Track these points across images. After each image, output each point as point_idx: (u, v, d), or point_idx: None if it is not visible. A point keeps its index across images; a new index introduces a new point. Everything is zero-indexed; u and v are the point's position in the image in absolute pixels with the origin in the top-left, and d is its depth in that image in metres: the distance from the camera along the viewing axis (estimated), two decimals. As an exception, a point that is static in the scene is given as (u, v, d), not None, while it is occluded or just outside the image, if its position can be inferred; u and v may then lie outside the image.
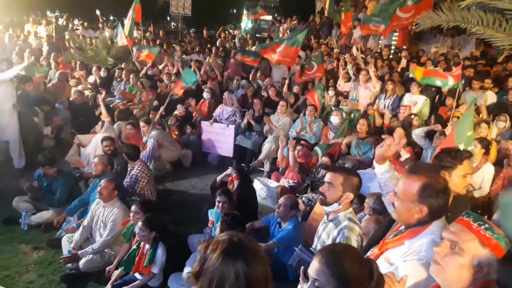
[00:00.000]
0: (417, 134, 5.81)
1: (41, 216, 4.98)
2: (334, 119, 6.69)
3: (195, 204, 5.87)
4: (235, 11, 31.09)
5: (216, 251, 1.38)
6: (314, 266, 1.52)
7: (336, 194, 2.59)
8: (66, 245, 4.46)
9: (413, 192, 1.96)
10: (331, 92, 8.35)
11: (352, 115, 7.20)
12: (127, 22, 10.08)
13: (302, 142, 6.44)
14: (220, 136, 7.49)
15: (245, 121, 7.36)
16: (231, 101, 7.65)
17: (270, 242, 4.13)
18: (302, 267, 2.56)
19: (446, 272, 1.61)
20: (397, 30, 11.40)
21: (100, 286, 4.12)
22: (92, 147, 6.32)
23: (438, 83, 6.85)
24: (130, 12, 9.94)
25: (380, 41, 11.87)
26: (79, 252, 4.26)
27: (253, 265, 1.37)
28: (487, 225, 1.58)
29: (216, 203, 4.48)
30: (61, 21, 14.06)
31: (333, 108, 7.17)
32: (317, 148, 6.40)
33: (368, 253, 2.21)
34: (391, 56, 10.99)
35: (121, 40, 9.60)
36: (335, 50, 11.01)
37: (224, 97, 7.74)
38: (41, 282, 4.14)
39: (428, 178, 1.96)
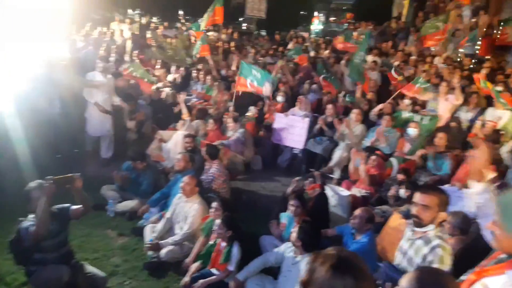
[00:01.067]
0: (508, 149, 5.49)
1: (126, 205, 5.38)
2: (412, 131, 6.50)
3: (265, 205, 6.01)
4: (305, 13, 30.98)
5: (325, 264, 1.45)
6: (410, 284, 1.56)
7: (432, 215, 2.58)
8: (148, 234, 4.80)
9: None
10: (407, 101, 8.11)
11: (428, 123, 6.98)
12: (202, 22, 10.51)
13: (377, 152, 6.33)
14: (294, 129, 7.43)
15: (317, 126, 7.37)
16: (306, 105, 7.69)
17: (344, 252, 4.15)
18: (389, 284, 2.58)
19: None
20: (480, 38, 10.83)
21: (178, 276, 4.39)
22: (172, 143, 6.70)
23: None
24: (209, 13, 10.35)
25: (460, 50, 11.30)
26: (160, 242, 4.56)
27: (361, 281, 1.42)
28: None
29: (289, 207, 4.57)
30: (143, 20, 14.90)
31: (412, 119, 6.97)
32: (393, 160, 6.27)
33: (463, 277, 2.18)
34: (471, 66, 10.43)
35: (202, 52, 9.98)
36: (411, 58, 10.65)
37: (299, 100, 7.79)
38: (125, 266, 4.48)
39: None
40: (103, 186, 5.68)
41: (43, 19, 5.91)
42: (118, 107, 7.07)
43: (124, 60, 10.69)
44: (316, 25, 27.90)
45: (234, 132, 6.85)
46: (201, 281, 4.01)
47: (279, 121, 7.65)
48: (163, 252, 4.47)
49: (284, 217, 4.79)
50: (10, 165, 5.36)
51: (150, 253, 4.56)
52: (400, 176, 5.55)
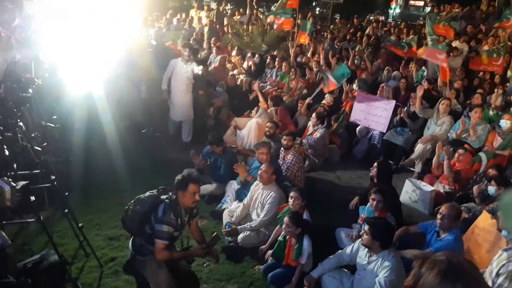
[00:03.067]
0: None
1: (206, 189, 5.54)
2: (505, 123, 5.96)
3: (340, 195, 5.91)
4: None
5: (433, 270, 1.36)
6: None
7: None
8: (227, 218, 4.92)
9: None
10: (499, 91, 7.47)
11: None
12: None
13: (465, 146, 5.90)
14: (377, 110, 7.08)
15: (397, 117, 7.03)
16: (388, 94, 7.36)
17: (427, 250, 3.94)
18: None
19: None
20: None
21: (254, 261, 4.45)
22: (246, 129, 6.80)
23: None
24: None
25: None
26: (238, 227, 4.66)
27: None
28: None
29: (370, 201, 4.43)
30: (220, 7, 15.20)
31: (501, 112, 6.39)
32: (481, 154, 5.81)
33: None
34: None
35: (283, 25, 9.97)
36: (507, 43, 9.72)
37: (381, 88, 7.47)
38: (204, 249, 4.65)
39: None
40: (185, 170, 5.89)
41: (127, 6, 6.21)
42: (198, 95, 7.27)
43: (203, 47, 11.00)
44: (394, 9, 26.51)
45: (315, 128, 6.76)
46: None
47: (361, 100, 7.34)
48: (240, 237, 4.56)
49: (363, 211, 4.65)
50: (99, 146, 5.75)
51: (228, 237, 4.69)
52: (492, 172, 5.14)
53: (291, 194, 4.43)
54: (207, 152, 5.76)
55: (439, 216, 3.91)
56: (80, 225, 4.09)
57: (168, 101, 7.04)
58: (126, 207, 3.53)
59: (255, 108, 7.10)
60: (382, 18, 18.67)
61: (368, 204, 4.51)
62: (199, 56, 9.48)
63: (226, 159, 5.56)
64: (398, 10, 27.04)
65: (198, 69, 6.71)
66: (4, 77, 4.62)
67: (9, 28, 7.79)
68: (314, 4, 25.18)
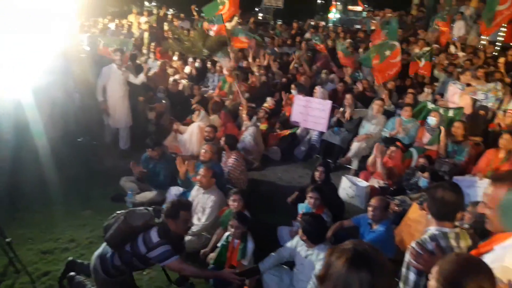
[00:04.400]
0: None
1: (145, 196, 5.43)
2: (432, 120, 6.37)
3: (282, 195, 6.00)
4: (323, 2, 30.56)
5: (340, 258, 1.42)
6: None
7: None
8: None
9: (500, 199, 1.93)
10: (428, 90, 7.97)
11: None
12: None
13: (397, 143, 6.23)
14: (315, 111, 7.39)
15: (334, 118, 7.29)
16: (322, 95, 7.62)
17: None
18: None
19: None
20: (505, 25, 10.51)
21: (195, 265, 4.41)
22: (188, 134, 6.75)
23: None
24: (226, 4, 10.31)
25: (482, 37, 10.99)
26: (179, 233, 4.60)
27: (378, 276, 1.39)
28: None
29: (308, 199, 4.55)
30: (160, 12, 14.96)
31: (431, 108, 6.81)
32: (412, 150, 6.17)
33: None
34: (495, 54, 10.14)
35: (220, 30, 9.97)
36: (434, 46, 10.42)
37: (315, 91, 7.73)
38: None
39: None
40: (122, 178, 5.75)
41: (61, 12, 5.97)
42: (137, 101, 7.12)
43: (142, 53, 10.79)
44: (334, 13, 27.52)
45: (246, 130, 6.84)
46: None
47: (299, 103, 7.58)
48: (181, 242, 4.51)
49: (302, 208, 4.77)
50: (30, 157, 5.47)
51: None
52: (421, 160, 5.48)
53: (231, 196, 4.46)
54: (145, 159, 5.65)
55: (370, 209, 4.10)
56: (8, 240, 3.86)
57: (105, 109, 6.83)
58: (114, 216, 3.37)
59: (196, 112, 7.06)
60: (322, 23, 19.26)
61: (306, 201, 4.63)
62: (138, 61, 9.26)
63: (165, 165, 5.48)
64: (337, 15, 28.12)
65: (139, 79, 6.59)
66: None
67: None
68: (257, 9, 25.52)
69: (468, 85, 7.52)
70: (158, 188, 5.51)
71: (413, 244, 2.22)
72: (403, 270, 2.24)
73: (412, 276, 2.19)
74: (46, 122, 5.64)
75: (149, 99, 7.72)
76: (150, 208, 3.57)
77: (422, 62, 8.27)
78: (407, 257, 2.22)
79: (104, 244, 3.47)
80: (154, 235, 3.23)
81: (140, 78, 6.90)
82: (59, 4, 5.91)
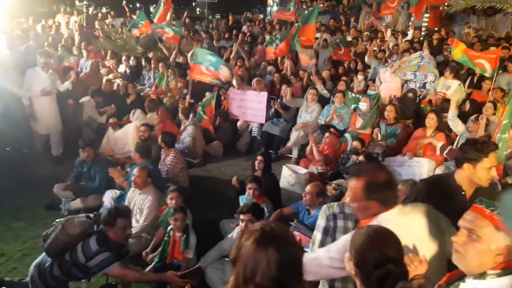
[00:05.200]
0: (450, 117, 5.69)
1: (80, 202, 5.23)
2: (362, 105, 6.63)
3: (225, 190, 6.00)
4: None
5: (249, 239, 1.46)
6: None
7: None
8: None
9: (360, 192, 2.07)
10: (360, 77, 8.27)
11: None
12: (157, 9, 10.34)
13: (331, 130, 6.43)
14: (252, 103, 7.45)
15: (272, 109, 7.39)
16: (261, 86, 7.68)
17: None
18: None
19: (467, 259, 1.66)
20: (428, 10, 11.13)
21: (138, 268, 4.32)
22: (122, 132, 6.57)
23: (474, 68, 6.63)
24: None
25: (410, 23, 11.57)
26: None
27: (284, 252, 1.44)
28: (499, 210, 1.62)
29: (247, 190, 4.59)
30: (90, 11, 14.36)
31: (360, 96, 7.08)
32: (347, 135, 6.39)
33: None
34: (421, 38, 10.71)
35: (145, 28, 9.80)
36: (365, 33, 10.82)
37: (253, 83, 7.77)
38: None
39: (369, 176, 2.07)
40: (56, 185, 5.50)
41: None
42: (67, 104, 6.81)
43: (73, 53, 10.30)
44: (271, 6, 27.74)
45: (185, 130, 6.78)
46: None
47: (235, 97, 7.62)
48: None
49: (243, 200, 4.80)
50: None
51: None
52: (355, 143, 5.71)
53: (169, 195, 4.40)
54: (79, 163, 5.43)
55: (304, 195, 4.22)
56: None
57: (31, 114, 6.45)
58: (53, 225, 3.28)
59: (132, 111, 6.87)
60: (260, 16, 19.38)
61: (246, 193, 4.67)
62: (66, 63, 8.83)
63: (100, 168, 5.30)
64: (275, 8, 28.36)
65: (64, 87, 6.32)
66: None
67: None
68: (193, 4, 25.19)
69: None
70: (95, 193, 5.31)
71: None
72: (314, 232, 2.46)
73: (319, 236, 2.39)
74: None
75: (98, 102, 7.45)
76: (91, 215, 3.48)
77: (342, 50, 8.69)
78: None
79: (43, 254, 3.36)
80: (93, 243, 3.18)
81: (65, 86, 6.62)
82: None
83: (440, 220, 2.17)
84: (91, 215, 3.49)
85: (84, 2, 21.57)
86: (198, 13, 23.44)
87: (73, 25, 12.66)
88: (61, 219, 3.43)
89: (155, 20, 10.66)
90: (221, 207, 5.45)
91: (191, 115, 7.00)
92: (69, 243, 3.20)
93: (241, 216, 3.85)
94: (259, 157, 5.19)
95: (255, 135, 7.46)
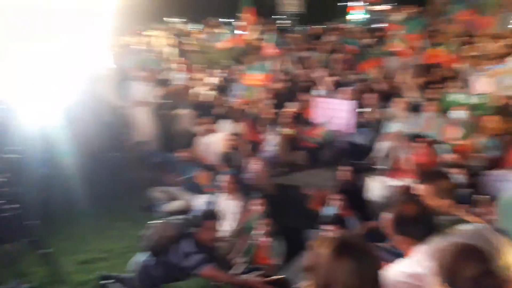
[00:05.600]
0: None
1: (173, 205, 5.58)
2: (459, 113, 6.20)
3: (310, 199, 5.96)
4: (343, 4, 30.28)
5: (326, 248, 1.44)
6: None
7: None
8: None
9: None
10: (453, 83, 7.74)
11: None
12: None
13: (423, 139, 6.09)
14: (338, 112, 7.27)
15: (359, 118, 7.22)
16: (347, 95, 7.57)
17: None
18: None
19: None
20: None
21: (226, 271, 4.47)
22: (212, 141, 6.88)
23: None
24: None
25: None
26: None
27: (363, 263, 1.40)
28: None
29: (332, 201, 4.53)
30: (182, 27, 15.28)
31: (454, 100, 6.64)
32: (441, 146, 6.02)
33: None
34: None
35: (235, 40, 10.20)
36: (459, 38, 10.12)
37: (340, 92, 7.68)
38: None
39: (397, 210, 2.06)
40: (151, 188, 5.92)
41: (86, 30, 6.29)
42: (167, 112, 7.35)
43: (165, 68, 11.05)
44: (354, 15, 27.18)
45: (268, 140, 6.88)
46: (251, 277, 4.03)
47: (321, 105, 7.51)
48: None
49: (328, 211, 4.74)
50: (64, 174, 5.72)
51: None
52: (451, 155, 5.32)
53: (254, 202, 4.51)
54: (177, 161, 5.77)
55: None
56: (47, 251, 4.07)
57: (131, 123, 7.09)
58: (149, 227, 3.59)
59: (217, 121, 7.19)
60: (343, 25, 19.07)
61: (332, 204, 4.61)
62: (161, 77, 9.50)
63: (191, 171, 5.59)
64: (360, 16, 27.71)
65: (153, 95, 6.79)
66: None
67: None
68: (276, 16, 25.56)
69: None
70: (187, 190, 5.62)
71: None
72: None
73: None
74: (75, 140, 5.89)
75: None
76: (183, 217, 3.71)
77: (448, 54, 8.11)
78: None
79: (143, 253, 3.62)
80: (186, 245, 3.37)
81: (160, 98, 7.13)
82: (89, 23, 6.23)
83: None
84: (184, 217, 3.71)
85: (180, 19, 23.04)
86: (279, 25, 23.74)
87: (169, 41, 13.57)
88: (157, 221, 3.68)
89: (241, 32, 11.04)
90: (306, 217, 5.42)
91: (274, 126, 7.11)
92: (165, 244, 3.42)
93: (325, 228, 3.81)
94: (345, 167, 5.11)
95: (340, 145, 7.34)
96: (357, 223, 4.42)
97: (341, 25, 15.92)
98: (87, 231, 5.28)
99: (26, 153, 4.99)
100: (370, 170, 6.72)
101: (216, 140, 6.82)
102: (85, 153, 5.90)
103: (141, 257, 3.71)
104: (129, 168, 6.95)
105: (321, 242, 1.49)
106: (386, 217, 2.01)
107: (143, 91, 7.04)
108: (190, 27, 16.83)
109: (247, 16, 10.58)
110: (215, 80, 10.18)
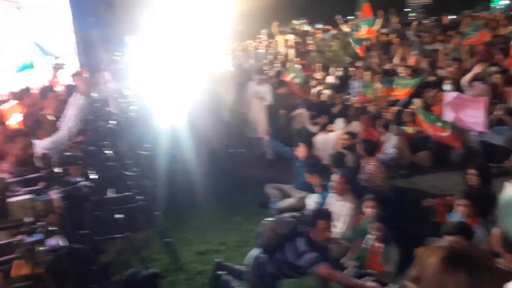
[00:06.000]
0: None
1: (286, 203, 5.66)
2: None
3: (433, 205, 5.47)
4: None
5: (434, 257, 1.28)
6: None
7: None
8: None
9: None
10: None
11: None
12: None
13: None
14: (470, 109, 6.33)
15: (495, 114, 6.36)
16: (480, 92, 6.75)
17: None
18: None
19: None
20: None
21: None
22: (328, 139, 6.80)
23: None
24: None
25: None
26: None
27: (477, 277, 1.21)
28: None
29: (457, 207, 4.09)
30: (306, 28, 15.43)
31: None
32: None
33: None
34: None
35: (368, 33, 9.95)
36: None
37: (471, 87, 6.87)
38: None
39: None
40: (267, 185, 6.08)
41: (209, 34, 6.81)
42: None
43: (286, 68, 11.29)
44: (496, 2, 23.96)
45: (388, 141, 6.48)
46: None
47: (450, 101, 6.74)
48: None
49: (452, 218, 4.29)
50: (188, 169, 6.19)
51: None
52: None
53: (367, 203, 4.31)
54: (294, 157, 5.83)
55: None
56: (169, 241, 4.47)
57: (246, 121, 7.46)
58: (263, 223, 3.75)
59: (334, 120, 7.06)
60: (484, 13, 17.04)
61: (458, 211, 4.16)
62: (280, 77, 9.73)
63: (307, 169, 5.58)
64: (504, 2, 24.32)
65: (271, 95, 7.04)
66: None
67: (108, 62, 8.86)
68: (405, 10, 24.08)
69: None
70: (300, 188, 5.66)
71: None
72: None
73: None
74: (198, 138, 6.38)
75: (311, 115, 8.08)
76: (296, 215, 3.75)
77: None
78: None
79: (257, 249, 3.77)
80: (300, 243, 3.40)
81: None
82: (212, 28, 6.74)
83: None
84: (297, 215, 3.73)
85: (300, 21, 23.33)
86: (408, 18, 22.30)
87: (289, 43, 13.85)
88: (270, 218, 3.76)
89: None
90: (427, 223, 4.97)
91: (393, 126, 6.69)
92: (278, 242, 3.49)
93: (447, 238, 3.44)
94: (474, 170, 4.56)
95: (473, 144, 6.57)
96: (485, 233, 3.90)
97: (483, 14, 14.22)
98: (205, 223, 5.60)
99: (155, 150, 5.59)
100: (507, 174, 5.88)
101: (332, 139, 6.72)
102: (207, 150, 6.34)
103: (255, 253, 3.83)
104: (247, 165, 7.28)
105: (431, 251, 1.34)
106: (496, 233, 1.71)
107: (262, 91, 7.31)
108: (309, 27, 16.88)
109: (365, 12, 10.20)
110: (332, 78, 10.05)
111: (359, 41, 10.20)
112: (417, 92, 7.87)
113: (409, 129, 7.00)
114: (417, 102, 7.59)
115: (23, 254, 1.84)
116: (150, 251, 4.83)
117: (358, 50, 10.03)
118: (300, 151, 5.67)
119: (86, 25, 10.03)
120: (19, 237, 1.88)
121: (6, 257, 1.86)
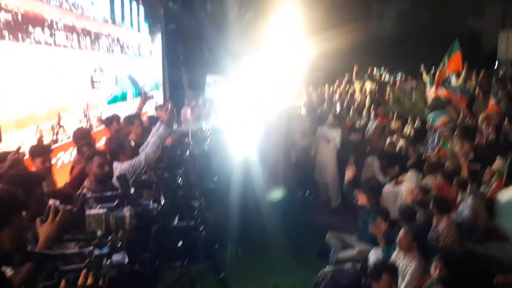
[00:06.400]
0: None
1: (346, 254, 5.47)
2: None
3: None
4: None
5: None
6: None
7: None
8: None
9: None
10: None
11: None
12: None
13: None
14: None
15: None
16: None
17: None
18: None
19: None
20: None
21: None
22: (396, 191, 6.55)
23: None
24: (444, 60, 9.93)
25: None
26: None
27: None
28: None
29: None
30: (385, 77, 15.26)
31: None
32: None
33: None
34: None
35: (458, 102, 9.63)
36: None
37: None
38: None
39: None
40: (329, 232, 5.95)
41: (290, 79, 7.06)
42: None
43: (362, 115, 11.19)
44: None
45: (463, 202, 6.05)
46: None
47: None
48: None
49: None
50: (254, 207, 6.27)
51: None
52: None
53: (434, 264, 4.03)
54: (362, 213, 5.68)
55: None
56: (223, 276, 4.50)
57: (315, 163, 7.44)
58: (322, 273, 3.78)
59: (408, 172, 6.79)
60: None
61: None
62: (357, 125, 9.67)
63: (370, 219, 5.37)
64: None
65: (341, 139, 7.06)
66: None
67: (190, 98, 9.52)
68: (496, 65, 22.78)
69: None
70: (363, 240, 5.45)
71: None
72: None
73: None
74: (268, 178, 6.49)
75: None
76: (357, 266, 3.65)
77: None
78: None
79: None
80: None
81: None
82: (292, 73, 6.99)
83: None
84: (358, 266, 3.61)
85: (381, 70, 23.14)
86: (500, 74, 21.05)
87: (366, 91, 13.78)
88: (330, 267, 3.67)
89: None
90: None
91: (469, 185, 6.24)
92: None
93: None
94: None
95: None
96: None
97: None
98: (261, 264, 5.57)
99: (223, 183, 5.79)
100: None
101: (402, 192, 6.46)
102: (273, 191, 6.41)
103: None
104: (310, 209, 7.21)
105: None
106: None
107: (332, 135, 7.32)
108: (388, 76, 16.68)
109: (454, 64, 9.89)
110: (410, 130, 9.74)
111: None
112: (501, 151, 7.34)
113: (488, 192, 6.48)
114: (498, 162, 7.07)
115: (91, 265, 1.99)
116: (204, 284, 4.90)
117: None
118: (362, 198, 5.51)
119: (174, 63, 10.90)
120: (88, 248, 2.04)
121: (72, 266, 2.01)
